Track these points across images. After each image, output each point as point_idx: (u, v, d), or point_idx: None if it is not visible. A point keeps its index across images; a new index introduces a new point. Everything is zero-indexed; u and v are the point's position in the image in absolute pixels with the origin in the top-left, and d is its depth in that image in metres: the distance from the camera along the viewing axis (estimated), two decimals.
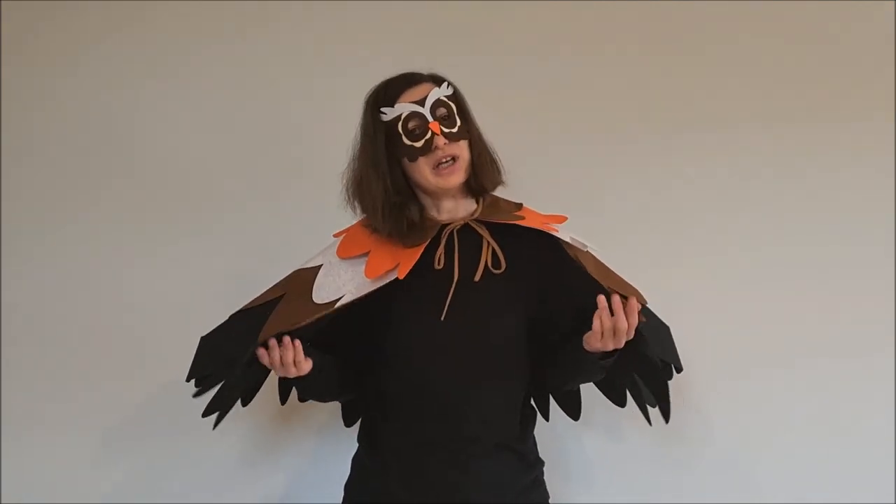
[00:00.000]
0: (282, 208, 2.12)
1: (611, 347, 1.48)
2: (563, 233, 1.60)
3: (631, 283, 1.70)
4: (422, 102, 1.53)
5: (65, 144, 2.15)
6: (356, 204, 1.61)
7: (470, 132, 1.58)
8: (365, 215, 1.61)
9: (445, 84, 1.57)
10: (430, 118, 1.53)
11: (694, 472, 2.07)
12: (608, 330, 1.46)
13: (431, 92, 1.54)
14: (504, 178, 1.64)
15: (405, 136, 1.53)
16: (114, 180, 2.14)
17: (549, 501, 1.69)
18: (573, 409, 1.80)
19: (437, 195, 1.60)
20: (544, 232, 1.57)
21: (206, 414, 1.64)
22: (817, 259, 2.08)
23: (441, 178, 1.55)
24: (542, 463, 1.68)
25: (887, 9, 2.11)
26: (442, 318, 1.54)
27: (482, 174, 1.60)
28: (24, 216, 2.13)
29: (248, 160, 2.14)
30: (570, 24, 2.15)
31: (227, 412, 1.68)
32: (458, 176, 1.56)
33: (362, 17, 2.15)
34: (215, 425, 1.68)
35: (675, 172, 2.12)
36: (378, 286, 1.54)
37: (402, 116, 1.53)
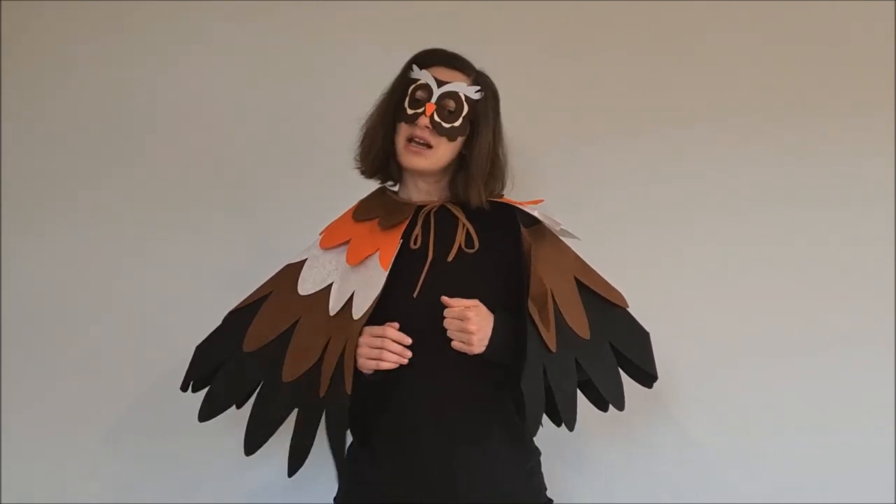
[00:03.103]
0: (282, 206, 2.12)
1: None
2: (541, 212, 1.60)
3: (612, 286, 1.70)
4: (441, 84, 1.55)
5: (65, 140, 2.15)
6: (360, 142, 1.64)
7: (475, 143, 1.58)
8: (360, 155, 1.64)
9: (477, 88, 1.58)
10: (432, 99, 1.55)
11: (691, 471, 2.06)
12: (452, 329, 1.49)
13: (456, 82, 1.56)
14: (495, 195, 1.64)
15: (409, 98, 1.56)
16: (113, 177, 2.14)
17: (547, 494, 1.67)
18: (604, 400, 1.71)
19: (411, 172, 1.62)
20: (517, 216, 1.58)
21: (202, 419, 1.65)
22: (817, 252, 2.08)
23: (406, 153, 1.58)
24: (538, 452, 1.66)
25: (887, 7, 2.12)
26: (415, 296, 1.55)
27: (470, 188, 1.59)
28: (21, 217, 2.13)
29: (250, 157, 2.14)
30: (567, 21, 2.15)
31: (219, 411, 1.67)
32: (421, 160, 1.58)
33: (372, 14, 2.16)
34: (204, 419, 1.66)
35: (673, 168, 2.12)
36: (380, 288, 1.53)
37: (418, 82, 1.56)
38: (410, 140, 1.57)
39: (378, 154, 1.61)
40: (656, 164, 2.12)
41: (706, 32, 2.14)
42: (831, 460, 2.05)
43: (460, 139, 1.58)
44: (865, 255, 2.06)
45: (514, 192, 1.69)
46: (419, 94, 1.56)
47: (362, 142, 1.63)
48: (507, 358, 1.51)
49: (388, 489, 1.57)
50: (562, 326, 1.54)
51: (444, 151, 1.58)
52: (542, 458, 1.67)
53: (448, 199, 1.63)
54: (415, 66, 1.58)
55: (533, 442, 1.65)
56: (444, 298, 1.49)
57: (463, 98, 1.56)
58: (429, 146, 1.56)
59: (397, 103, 1.58)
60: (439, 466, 1.54)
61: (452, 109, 1.56)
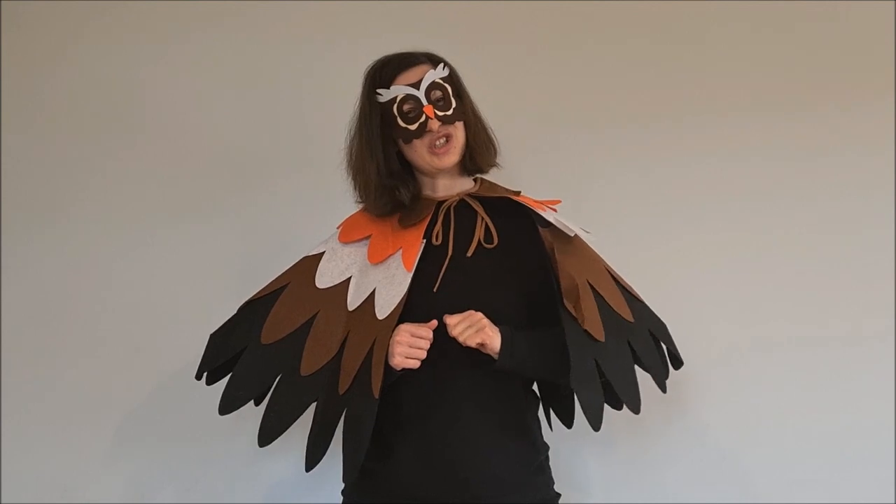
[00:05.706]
0: (285, 203, 2.12)
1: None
2: (555, 217, 1.60)
3: (623, 278, 1.70)
4: (417, 85, 1.55)
5: (65, 138, 2.14)
6: (352, 182, 1.64)
7: (465, 113, 1.60)
8: (358, 195, 1.64)
9: (441, 65, 1.59)
10: (424, 101, 1.55)
11: (689, 471, 2.07)
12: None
13: (427, 74, 1.56)
14: (498, 159, 1.66)
15: (400, 118, 1.56)
16: (114, 175, 2.13)
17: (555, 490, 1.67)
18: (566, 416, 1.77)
19: (433, 175, 1.63)
20: (535, 212, 1.59)
21: (222, 412, 1.62)
22: (817, 249, 2.09)
23: (436, 158, 1.58)
24: (546, 447, 1.67)
25: (887, 6, 2.14)
26: (434, 290, 1.55)
27: (478, 154, 1.63)
28: (21, 217, 2.12)
29: (253, 150, 2.14)
30: (568, 15, 2.17)
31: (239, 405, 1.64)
32: (452, 156, 1.59)
33: (375, 10, 2.16)
34: (224, 412, 1.62)
35: (673, 163, 2.13)
36: (405, 288, 1.54)
37: (398, 99, 1.56)
38: (432, 146, 1.57)
39: (378, 189, 1.59)
40: (655, 161, 2.13)
41: (705, 27, 2.16)
42: (831, 460, 2.06)
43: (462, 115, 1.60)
44: (867, 253, 2.08)
45: (511, 184, 1.70)
46: (406, 107, 1.56)
47: (356, 182, 1.62)
48: (535, 366, 1.53)
49: (395, 483, 1.57)
50: (607, 312, 1.56)
51: (460, 135, 1.60)
52: (550, 454, 1.67)
53: (465, 192, 1.64)
54: (380, 91, 1.57)
55: (542, 437, 1.66)
56: (447, 317, 1.50)
57: (441, 82, 1.57)
58: (447, 138, 1.57)
59: (386, 131, 1.58)
60: (447, 461, 1.54)
61: (442, 97, 1.57)
